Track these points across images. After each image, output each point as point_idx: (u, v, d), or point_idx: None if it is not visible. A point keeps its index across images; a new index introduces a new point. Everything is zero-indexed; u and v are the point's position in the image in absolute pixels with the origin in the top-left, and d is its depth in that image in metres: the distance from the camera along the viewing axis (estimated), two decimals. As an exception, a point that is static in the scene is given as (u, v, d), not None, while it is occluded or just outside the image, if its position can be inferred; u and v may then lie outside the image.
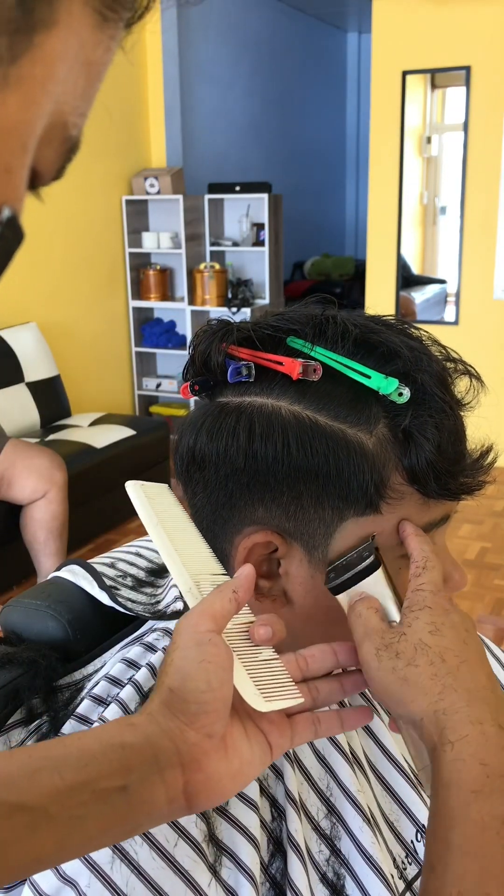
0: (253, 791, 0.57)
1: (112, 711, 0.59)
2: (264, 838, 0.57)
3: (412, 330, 0.58)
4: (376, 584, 0.53)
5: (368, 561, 0.53)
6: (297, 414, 0.54)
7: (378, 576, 0.53)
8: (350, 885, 0.58)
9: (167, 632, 0.64)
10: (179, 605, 0.66)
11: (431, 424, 0.52)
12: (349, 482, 0.52)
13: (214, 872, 0.53)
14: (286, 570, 0.56)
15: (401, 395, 0.52)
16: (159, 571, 0.74)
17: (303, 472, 0.53)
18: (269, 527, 0.55)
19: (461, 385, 0.57)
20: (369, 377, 0.53)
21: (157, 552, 0.77)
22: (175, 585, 0.69)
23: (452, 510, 0.57)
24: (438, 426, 0.52)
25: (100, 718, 0.59)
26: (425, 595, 0.50)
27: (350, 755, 0.62)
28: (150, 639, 0.64)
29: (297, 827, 0.57)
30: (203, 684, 0.45)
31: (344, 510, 0.53)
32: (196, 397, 0.59)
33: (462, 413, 0.56)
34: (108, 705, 0.60)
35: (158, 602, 0.69)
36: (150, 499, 0.57)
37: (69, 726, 0.60)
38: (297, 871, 0.55)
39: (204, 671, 0.45)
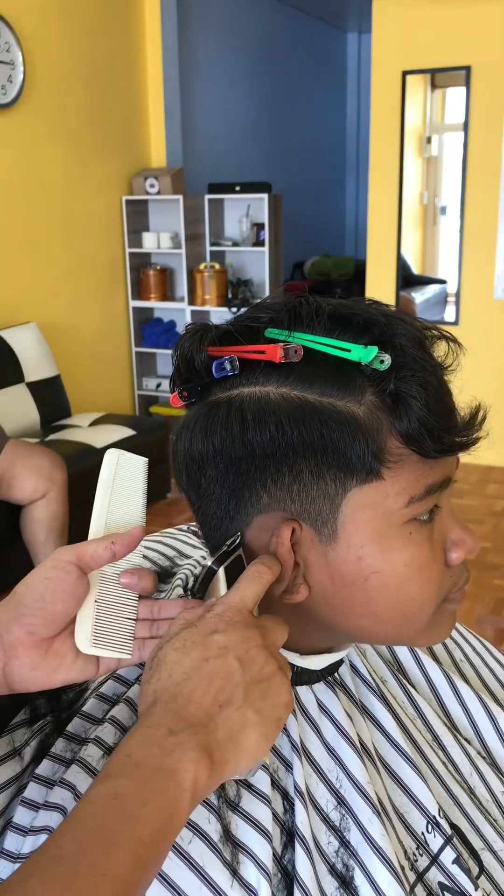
0: (264, 784, 0.57)
1: (119, 709, 0.59)
2: (277, 830, 0.57)
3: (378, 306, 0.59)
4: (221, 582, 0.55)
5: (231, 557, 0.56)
6: (286, 395, 0.54)
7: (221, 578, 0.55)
8: (359, 877, 0.58)
9: None
10: None
11: (416, 383, 0.53)
12: (346, 452, 0.53)
13: (234, 872, 0.54)
14: (301, 556, 0.56)
15: (382, 362, 0.53)
16: (163, 575, 0.74)
17: (300, 450, 0.53)
18: (277, 511, 0.55)
19: (440, 350, 0.57)
20: (349, 350, 0.54)
21: (160, 553, 0.77)
22: (178, 586, 0.69)
23: (452, 473, 0.58)
24: (423, 384, 0.53)
25: (110, 718, 0.59)
26: (207, 616, 0.52)
27: (360, 746, 0.62)
28: None
29: (303, 819, 0.57)
30: (38, 594, 0.52)
31: (346, 481, 0.54)
32: (185, 404, 0.59)
33: (446, 377, 0.57)
34: (115, 704, 0.60)
35: (156, 577, 0.69)
36: (120, 467, 0.59)
37: (75, 724, 0.60)
38: (302, 863, 0.56)
39: (42, 585, 0.52)
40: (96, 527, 0.57)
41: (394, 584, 0.56)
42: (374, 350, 0.53)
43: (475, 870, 0.65)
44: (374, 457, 0.53)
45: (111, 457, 0.58)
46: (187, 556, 0.77)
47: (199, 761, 0.45)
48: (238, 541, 0.57)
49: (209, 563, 0.55)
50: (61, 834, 0.42)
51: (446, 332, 0.58)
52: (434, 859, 0.62)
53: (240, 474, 0.55)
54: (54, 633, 0.53)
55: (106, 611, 0.55)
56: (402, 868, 0.59)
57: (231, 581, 0.55)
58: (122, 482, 0.58)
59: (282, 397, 0.54)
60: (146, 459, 0.60)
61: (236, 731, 0.47)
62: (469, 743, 0.71)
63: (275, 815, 0.57)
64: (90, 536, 0.56)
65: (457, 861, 0.62)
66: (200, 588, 0.56)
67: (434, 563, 0.57)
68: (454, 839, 0.63)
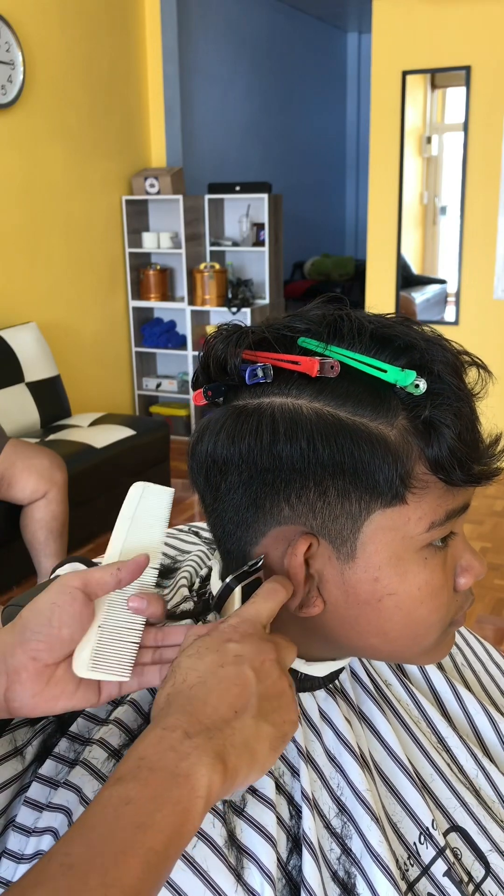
0: (269, 790, 0.57)
1: (124, 711, 0.59)
2: (282, 836, 0.57)
3: (416, 327, 0.58)
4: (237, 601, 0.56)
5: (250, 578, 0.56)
6: (318, 410, 0.54)
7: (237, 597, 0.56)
8: (360, 884, 0.58)
9: None
10: (189, 606, 0.66)
11: (451, 412, 0.53)
12: (375, 475, 0.53)
13: (238, 877, 0.53)
14: (316, 570, 0.56)
15: (417, 386, 0.53)
16: (165, 573, 0.74)
17: (328, 468, 0.53)
18: (297, 524, 0.55)
19: (471, 375, 0.57)
20: (385, 371, 0.53)
21: (163, 553, 0.77)
22: (182, 586, 0.69)
23: (470, 499, 0.58)
24: (457, 414, 0.53)
25: (114, 719, 0.59)
26: (221, 627, 0.52)
27: (359, 754, 0.62)
28: None
29: (310, 825, 0.57)
30: (44, 619, 0.52)
31: (371, 503, 0.53)
32: (206, 403, 0.58)
33: (474, 403, 0.57)
34: (119, 705, 0.60)
35: (166, 603, 0.69)
36: (143, 498, 0.58)
37: (79, 725, 0.60)
38: (310, 870, 0.56)
39: (49, 610, 0.52)
40: (110, 554, 0.56)
41: (407, 607, 0.56)
42: (412, 374, 0.52)
43: (480, 872, 0.64)
44: (402, 481, 0.53)
45: (136, 490, 0.58)
46: (188, 553, 0.77)
47: (214, 767, 0.44)
48: (260, 564, 0.56)
49: (228, 581, 0.55)
50: (70, 840, 0.41)
51: (478, 359, 0.58)
52: (424, 870, 0.62)
53: (264, 485, 0.54)
54: (58, 660, 0.52)
55: (109, 636, 0.54)
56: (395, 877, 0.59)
57: (245, 600, 0.55)
58: (145, 512, 0.58)
59: (315, 413, 0.53)
60: (172, 490, 0.59)
61: (251, 739, 0.47)
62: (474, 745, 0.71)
63: (280, 820, 0.57)
64: (104, 563, 0.56)
65: (448, 874, 0.62)
66: (217, 604, 0.56)
67: (445, 588, 0.57)
68: (446, 851, 0.63)
